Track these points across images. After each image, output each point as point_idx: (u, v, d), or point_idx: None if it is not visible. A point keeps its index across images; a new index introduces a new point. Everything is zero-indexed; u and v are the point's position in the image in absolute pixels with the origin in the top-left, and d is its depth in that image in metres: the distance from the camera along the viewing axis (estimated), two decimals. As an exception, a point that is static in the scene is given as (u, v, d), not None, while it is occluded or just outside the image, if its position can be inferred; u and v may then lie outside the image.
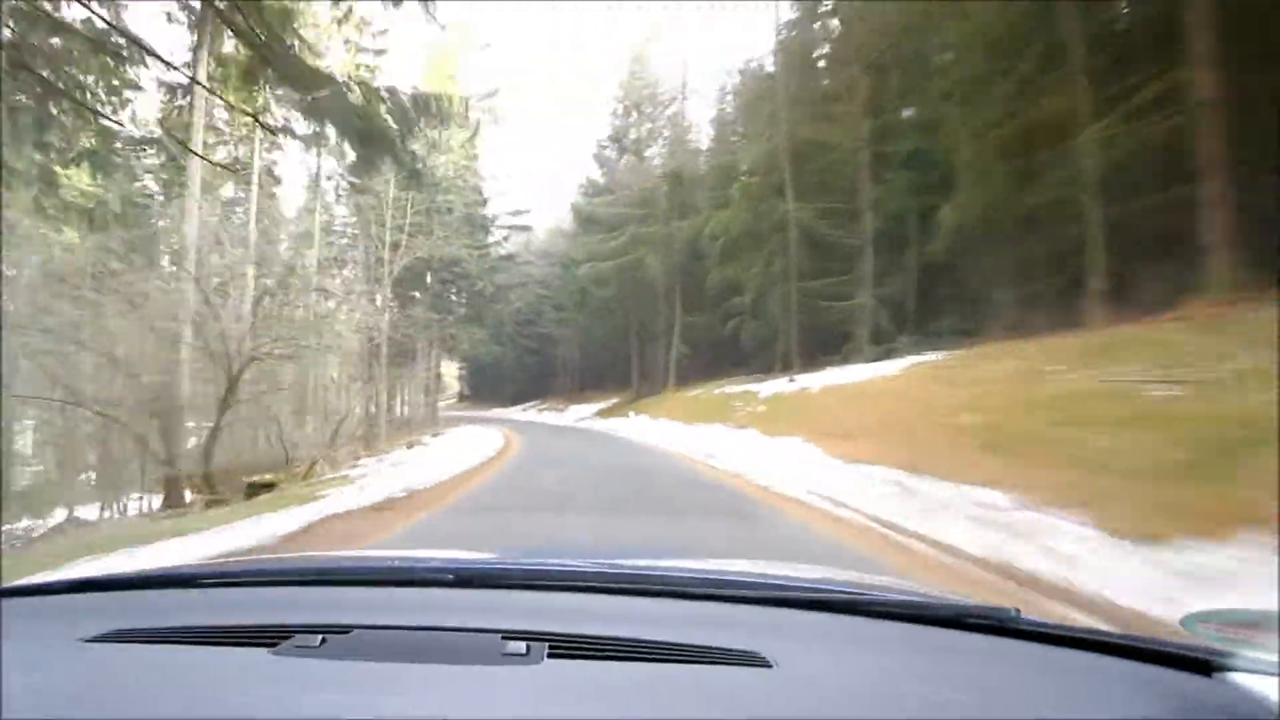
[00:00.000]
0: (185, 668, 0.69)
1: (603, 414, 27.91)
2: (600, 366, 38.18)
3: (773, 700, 0.61)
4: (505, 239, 31.95)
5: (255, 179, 19.30)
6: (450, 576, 0.93)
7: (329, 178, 25.01)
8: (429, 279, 29.02)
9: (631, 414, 23.33)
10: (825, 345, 17.58)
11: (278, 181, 24.21)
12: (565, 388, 39.54)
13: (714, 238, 21.53)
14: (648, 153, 29.62)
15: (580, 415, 30.42)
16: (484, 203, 31.04)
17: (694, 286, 25.34)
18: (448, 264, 28.63)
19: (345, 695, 0.61)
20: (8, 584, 1.19)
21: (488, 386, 52.19)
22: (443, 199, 28.13)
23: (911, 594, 0.99)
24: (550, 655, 0.67)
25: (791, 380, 15.89)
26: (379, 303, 23.56)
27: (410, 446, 15.57)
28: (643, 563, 1.07)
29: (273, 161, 23.09)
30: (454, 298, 30.01)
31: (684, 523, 5.75)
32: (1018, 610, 0.77)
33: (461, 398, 57.60)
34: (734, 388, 19.02)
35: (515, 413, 40.09)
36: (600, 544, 4.70)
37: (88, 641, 0.73)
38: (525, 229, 33.04)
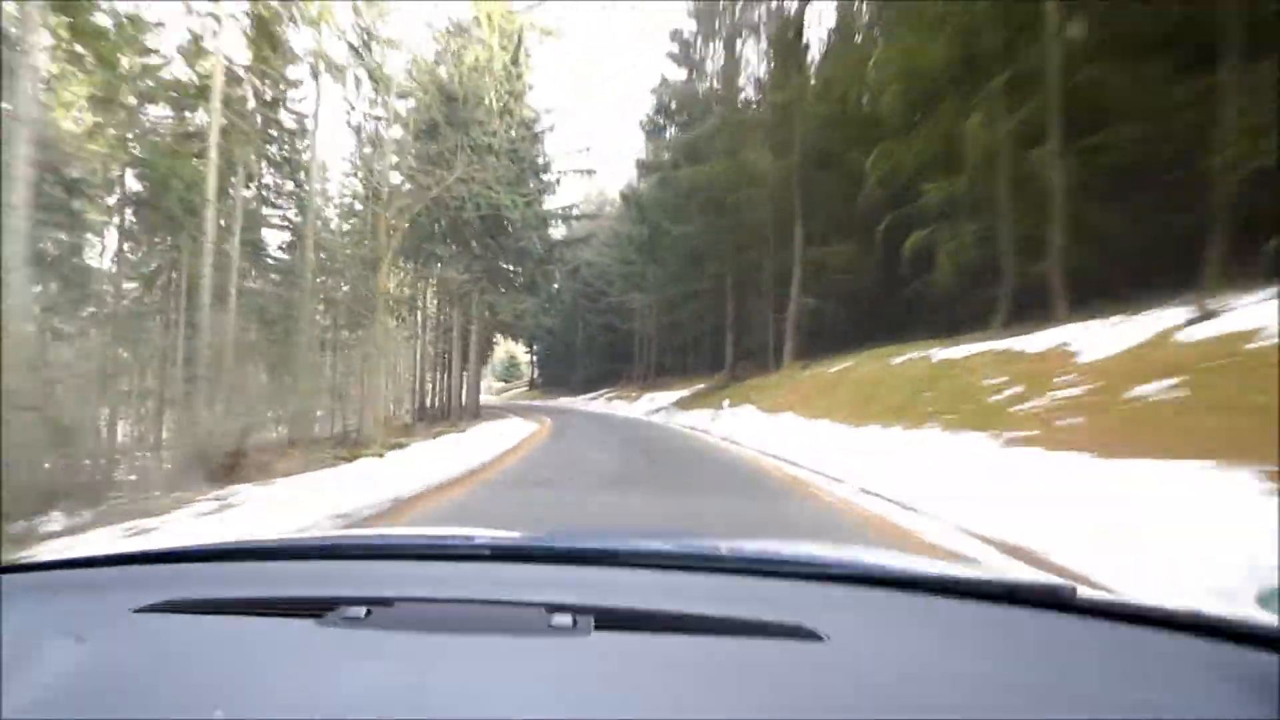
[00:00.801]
0: (234, 637, 0.70)
1: (682, 404, 20.69)
2: (683, 343, 30.92)
3: (825, 673, 0.60)
4: (557, 182, 25.31)
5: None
6: (488, 551, 0.92)
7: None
8: (462, 233, 23.02)
9: (727, 404, 15.82)
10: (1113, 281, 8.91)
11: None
12: (642, 372, 32.67)
13: (880, 90, 12.45)
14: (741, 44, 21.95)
15: (654, 405, 23.41)
16: (534, 138, 24.59)
17: (824, 203, 17.24)
18: (486, 215, 22.49)
19: (392, 665, 0.61)
20: (59, 556, 1.16)
21: (559, 373, 46.50)
22: (479, 134, 21.96)
23: (964, 571, 0.96)
24: (598, 628, 0.66)
25: (1203, 316, 6.27)
26: (384, 258, 17.59)
27: (351, 460, 9.24)
28: (681, 540, 1.00)
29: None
30: (499, 262, 23.81)
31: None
32: (1074, 587, 0.76)
33: (532, 385, 52.45)
34: (952, 350, 9.89)
35: (579, 403, 33.77)
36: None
37: (138, 612, 0.74)
38: (588, 173, 26.26)
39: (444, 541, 1.02)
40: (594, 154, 26.76)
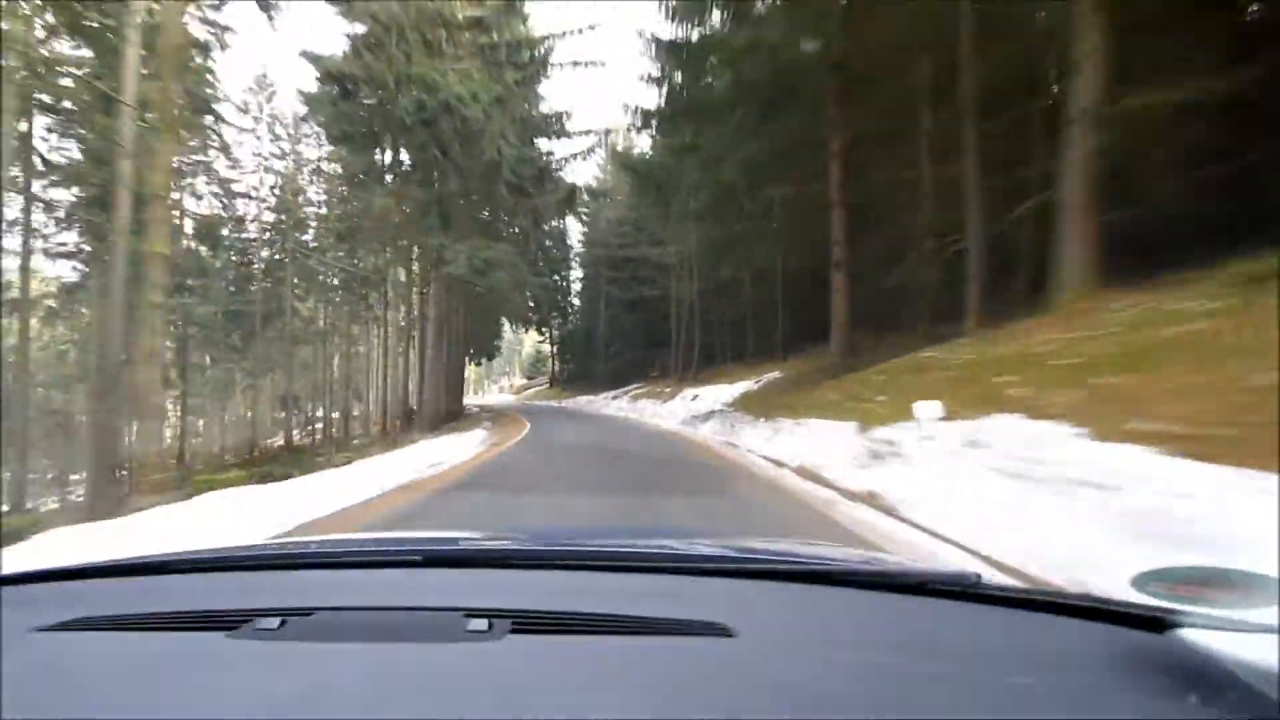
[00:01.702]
0: (139, 654, 0.67)
1: (748, 406, 11.90)
2: (736, 315, 22.08)
3: (736, 668, 0.61)
4: (544, 67, 16.81)
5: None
6: (419, 557, 0.92)
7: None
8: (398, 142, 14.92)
9: (925, 416, 5.44)
10: None
11: None
12: (680, 359, 23.94)
13: None
14: None
15: (696, 408, 14.75)
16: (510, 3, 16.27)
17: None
18: (432, 116, 14.31)
19: (303, 676, 0.60)
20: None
21: (582, 366, 38.26)
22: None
23: (875, 563, 0.98)
24: (513, 631, 0.66)
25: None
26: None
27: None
28: (605, 541, 1.05)
29: None
30: (449, 186, 15.53)
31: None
32: (979, 576, 0.79)
33: (553, 382, 44.40)
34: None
35: (597, 403, 25.35)
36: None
37: (41, 631, 0.72)
38: (593, 65, 17.63)
39: (369, 548, 1.03)
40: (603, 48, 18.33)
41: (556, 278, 36.05)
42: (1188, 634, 0.61)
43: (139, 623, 0.74)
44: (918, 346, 8.72)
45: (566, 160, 17.79)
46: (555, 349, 42.90)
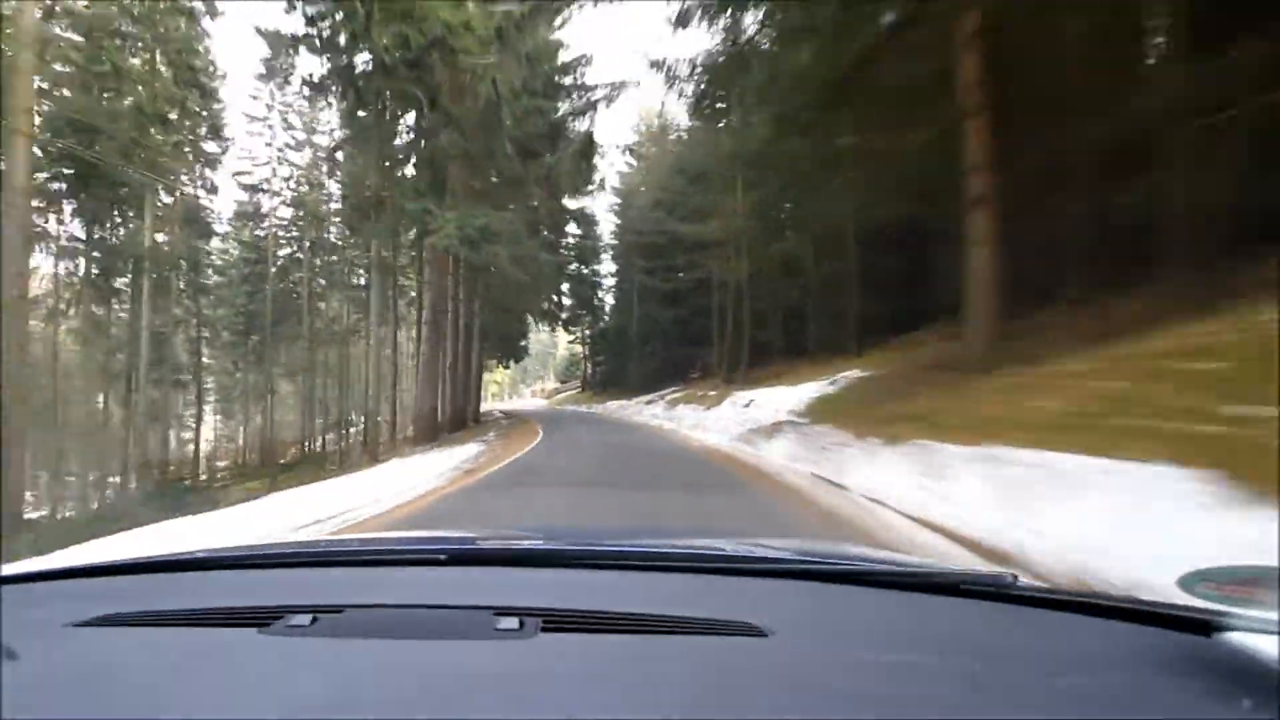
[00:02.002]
0: (170, 650, 0.68)
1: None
2: (793, 301, 18.57)
3: (769, 668, 0.60)
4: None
5: None
6: (443, 556, 0.92)
7: None
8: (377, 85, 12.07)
9: None
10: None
11: None
12: (725, 358, 20.47)
13: None
14: None
15: (748, 419, 11.27)
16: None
17: None
18: (414, 55, 11.38)
19: (336, 672, 0.60)
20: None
21: (616, 367, 35.10)
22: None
23: (908, 564, 0.97)
24: (544, 630, 0.65)
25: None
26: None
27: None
28: (634, 540, 1.03)
29: None
30: (438, 138, 12.55)
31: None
32: (1014, 576, 0.77)
33: (585, 385, 41.38)
34: None
35: (629, 410, 22.15)
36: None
37: (76, 626, 0.72)
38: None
39: (397, 547, 1.03)
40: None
41: (585, 268, 33.00)
42: (1236, 637, 0.58)
43: (172, 618, 0.74)
44: (1155, 316, 5.11)
45: (586, 107, 14.48)
46: (586, 349, 39.86)
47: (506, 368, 37.75)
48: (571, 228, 28.54)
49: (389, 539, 1.19)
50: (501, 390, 72.72)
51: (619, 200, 34.63)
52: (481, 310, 20.90)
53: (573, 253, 29.36)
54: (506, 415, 28.72)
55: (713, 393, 17.06)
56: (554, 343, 68.23)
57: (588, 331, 38.08)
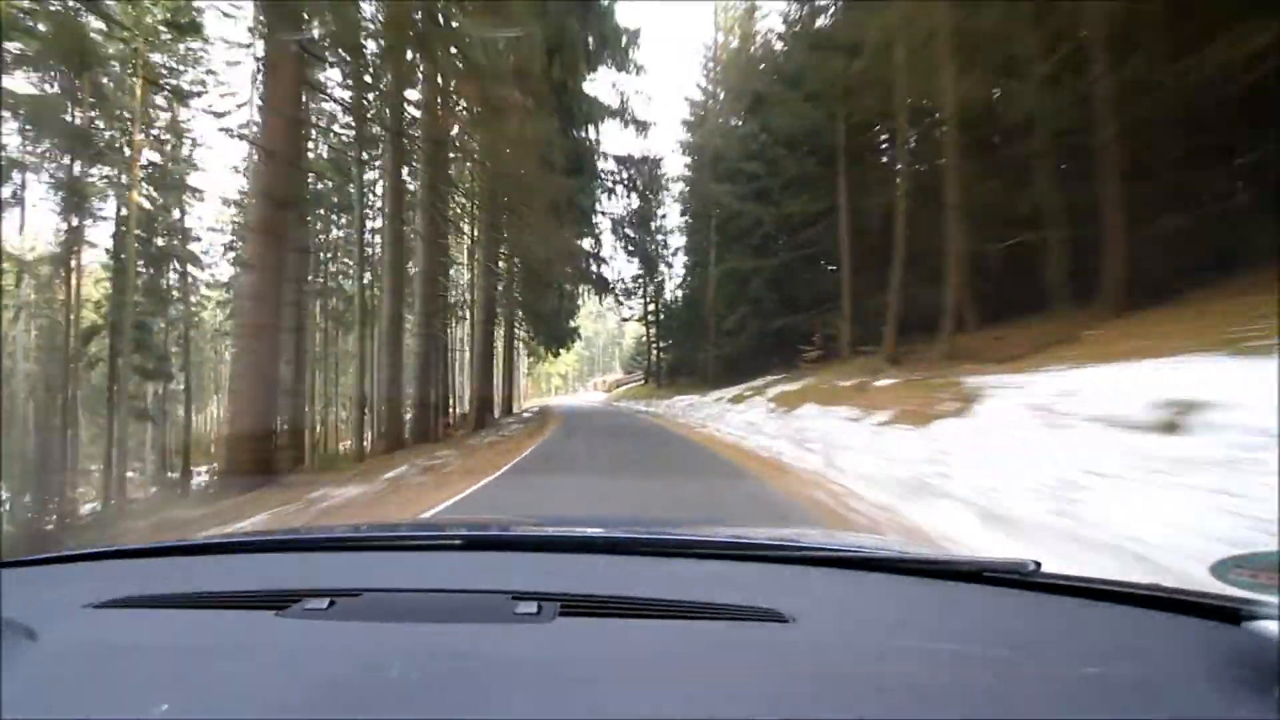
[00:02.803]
0: (188, 632, 0.68)
1: None
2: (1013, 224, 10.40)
3: (792, 655, 0.59)
4: None
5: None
6: (459, 541, 0.93)
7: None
8: None
9: None
10: None
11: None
12: (853, 334, 12.65)
13: None
14: None
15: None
16: None
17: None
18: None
19: (354, 655, 0.59)
20: (15, 556, 1.11)
21: (686, 353, 27.64)
22: None
23: (930, 551, 0.97)
24: (562, 614, 0.65)
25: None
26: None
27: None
28: (655, 527, 1.03)
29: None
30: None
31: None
32: (1038, 563, 0.77)
33: (649, 376, 34.19)
34: None
35: (706, 411, 14.70)
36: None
37: (95, 608, 0.72)
38: None
39: (413, 532, 1.04)
40: None
41: (642, 217, 25.72)
42: (1268, 625, 0.57)
43: (189, 601, 0.74)
44: None
45: None
46: (649, 333, 32.64)
47: (556, 355, 31.04)
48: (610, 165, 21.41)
49: (406, 525, 1.18)
50: (566, 383, 66.66)
51: (689, 132, 27.17)
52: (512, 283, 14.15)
53: (621, 190, 22.03)
54: (544, 411, 22.37)
55: (856, 386, 9.35)
56: (621, 330, 61.46)
57: (650, 306, 30.89)
